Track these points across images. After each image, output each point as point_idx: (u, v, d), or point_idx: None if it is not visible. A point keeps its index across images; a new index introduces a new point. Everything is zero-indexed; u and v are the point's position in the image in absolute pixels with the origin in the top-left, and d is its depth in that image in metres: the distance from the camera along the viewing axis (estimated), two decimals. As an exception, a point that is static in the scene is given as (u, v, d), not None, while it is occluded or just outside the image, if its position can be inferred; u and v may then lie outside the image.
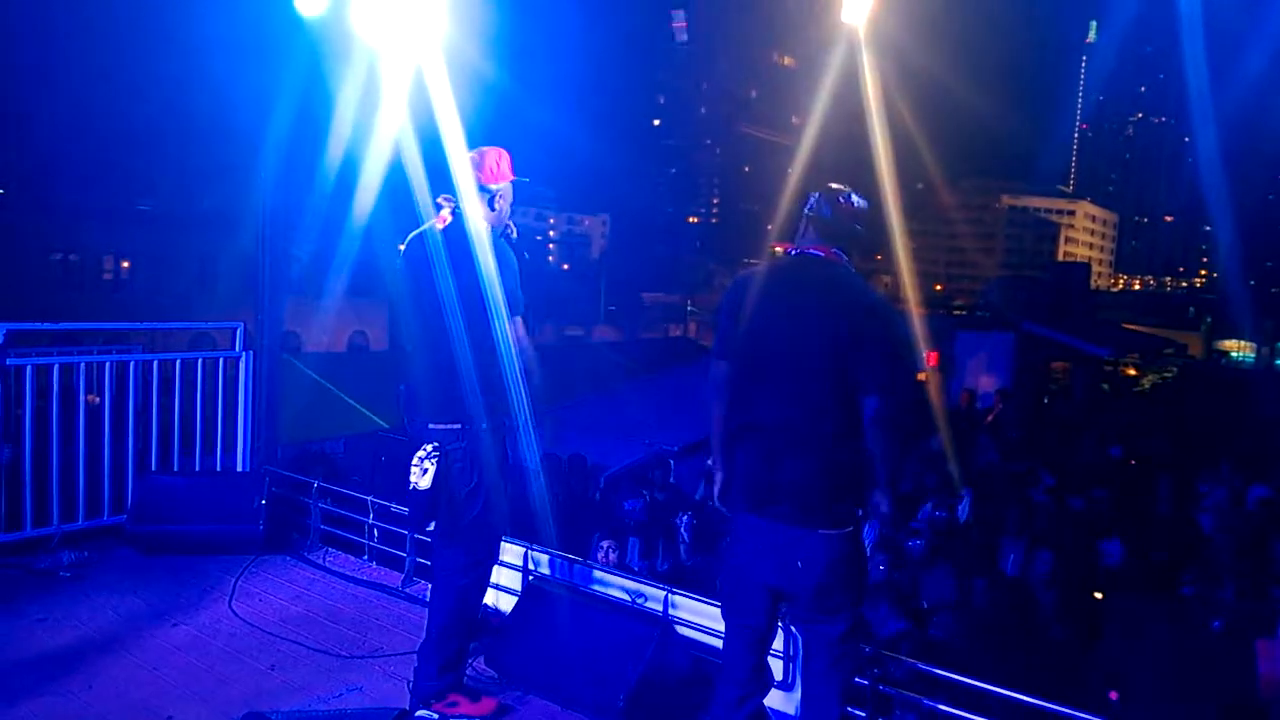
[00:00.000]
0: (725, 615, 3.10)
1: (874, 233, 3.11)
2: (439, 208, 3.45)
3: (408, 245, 3.48)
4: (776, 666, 3.45)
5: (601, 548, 6.26)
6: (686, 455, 9.98)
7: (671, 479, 9.37)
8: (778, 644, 3.40)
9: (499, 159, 3.49)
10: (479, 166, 3.46)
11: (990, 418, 12.78)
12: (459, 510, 3.41)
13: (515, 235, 3.55)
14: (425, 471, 3.33)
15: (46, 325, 5.64)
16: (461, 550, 3.46)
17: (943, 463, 9.18)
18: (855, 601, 2.92)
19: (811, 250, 2.97)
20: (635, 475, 9.47)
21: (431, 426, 3.38)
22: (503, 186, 3.49)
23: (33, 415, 5.04)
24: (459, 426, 3.34)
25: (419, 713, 3.39)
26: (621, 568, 5.98)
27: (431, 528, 3.58)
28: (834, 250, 2.95)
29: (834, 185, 3.04)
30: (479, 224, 3.37)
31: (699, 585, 4.45)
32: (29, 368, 5.06)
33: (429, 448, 3.36)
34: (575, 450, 9.14)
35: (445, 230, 3.38)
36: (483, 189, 3.44)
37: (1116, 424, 12.90)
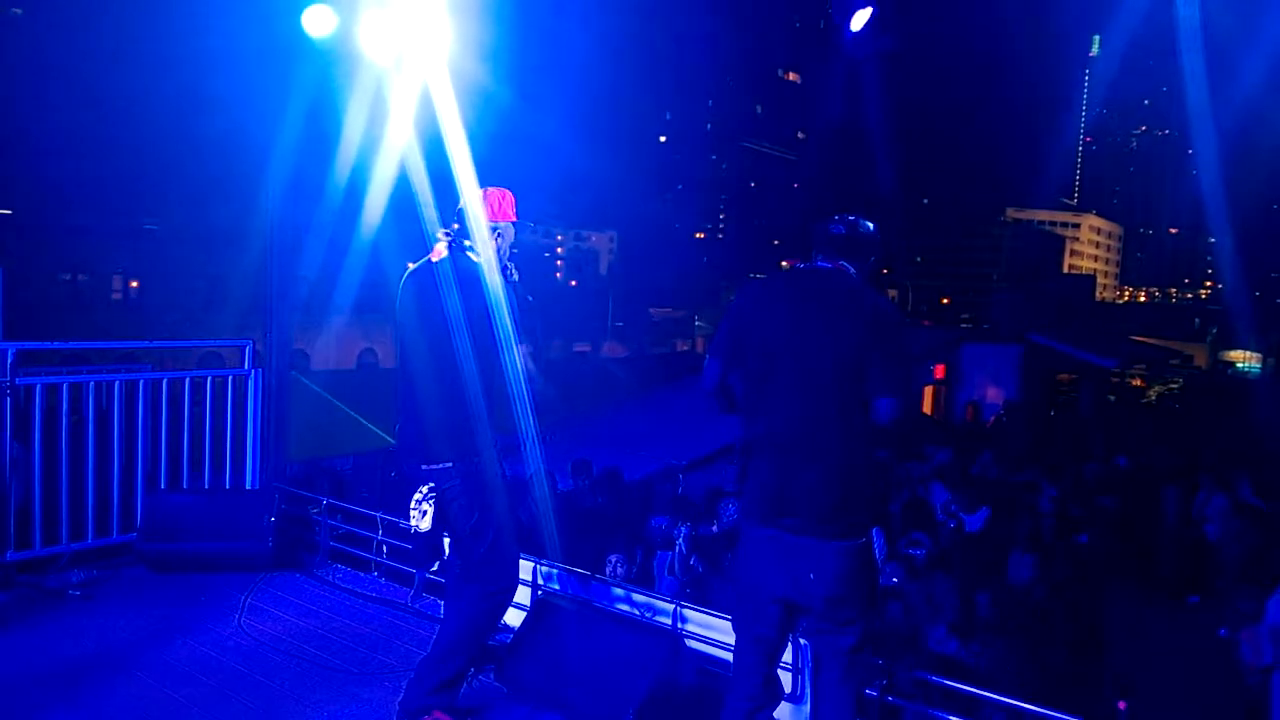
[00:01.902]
0: (736, 627, 3.10)
1: (880, 252, 3.13)
2: (438, 241, 3.48)
3: (405, 279, 3.49)
4: (785, 679, 3.44)
5: (610, 562, 6.26)
6: (694, 469, 9.98)
7: (680, 491, 9.36)
8: (786, 656, 3.40)
9: (501, 199, 3.54)
10: (483, 204, 3.51)
11: (990, 424, 12.76)
12: (466, 548, 3.44)
13: (516, 278, 3.55)
14: (424, 514, 3.40)
15: (56, 344, 5.67)
16: (477, 584, 3.46)
17: (953, 474, 9.20)
18: (867, 613, 2.93)
19: (819, 263, 3.00)
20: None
21: (425, 468, 3.42)
22: (503, 226, 3.53)
23: (42, 434, 5.07)
24: (450, 465, 3.36)
25: None
26: (645, 583, 5.97)
27: (436, 568, 3.56)
28: (840, 263, 2.98)
29: (844, 215, 3.08)
30: (486, 253, 3.41)
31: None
32: (38, 387, 5.09)
33: (424, 490, 3.41)
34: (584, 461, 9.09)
35: (441, 263, 3.41)
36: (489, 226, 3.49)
37: (1123, 435, 12.87)
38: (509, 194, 3.56)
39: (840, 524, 2.80)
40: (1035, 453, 11.26)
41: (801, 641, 3.46)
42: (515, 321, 3.35)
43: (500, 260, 3.49)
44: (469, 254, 3.42)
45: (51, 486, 5.09)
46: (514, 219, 3.56)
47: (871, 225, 3.08)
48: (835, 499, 2.79)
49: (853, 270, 2.99)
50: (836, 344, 2.81)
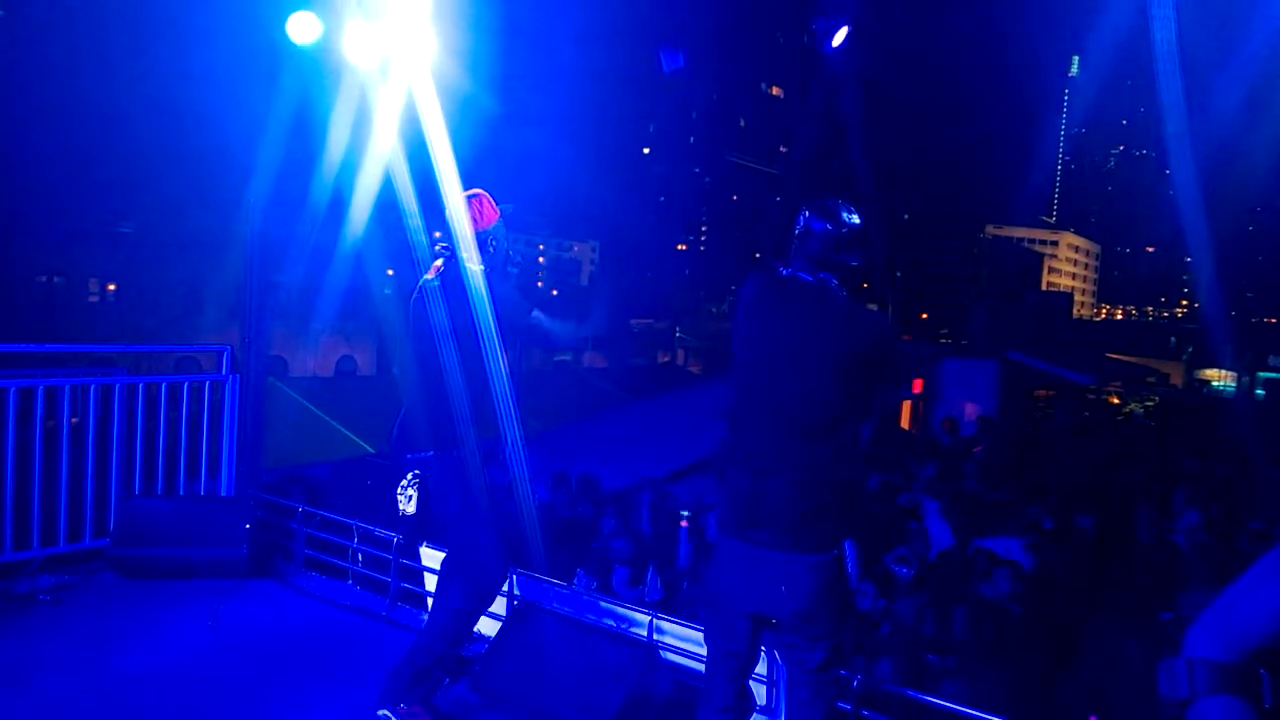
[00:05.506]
0: (707, 640, 3.09)
1: (865, 254, 2.94)
2: (435, 256, 3.57)
3: (414, 297, 3.57)
4: (760, 691, 3.45)
5: (578, 576, 6.26)
6: (673, 481, 9.97)
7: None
8: (761, 668, 3.40)
9: (481, 203, 3.60)
10: (469, 216, 3.57)
11: (978, 449, 12.80)
12: (445, 536, 3.60)
13: (519, 259, 3.74)
14: (410, 498, 3.55)
15: (31, 347, 5.61)
16: (459, 576, 3.55)
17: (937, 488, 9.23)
18: (838, 629, 2.92)
19: (802, 275, 2.91)
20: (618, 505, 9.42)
21: (409, 457, 3.57)
22: (494, 228, 3.60)
23: (14, 438, 5.01)
24: (432, 455, 3.49)
25: (380, 712, 3.44)
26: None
27: (424, 549, 3.69)
28: (821, 275, 2.94)
29: (826, 201, 2.93)
30: (473, 265, 3.48)
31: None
32: (12, 390, 5.04)
33: (409, 476, 3.57)
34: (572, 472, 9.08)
35: (441, 278, 3.50)
36: (478, 236, 3.55)
37: (1099, 451, 12.96)
38: (485, 196, 3.62)
39: (810, 538, 2.77)
40: (1012, 468, 11.31)
41: (775, 654, 3.46)
42: (506, 325, 3.43)
43: (498, 262, 3.60)
44: (464, 266, 3.48)
45: (24, 490, 5.03)
46: (497, 215, 3.63)
47: (855, 219, 2.99)
48: (803, 513, 2.76)
49: (834, 283, 2.94)
50: (817, 359, 2.79)
